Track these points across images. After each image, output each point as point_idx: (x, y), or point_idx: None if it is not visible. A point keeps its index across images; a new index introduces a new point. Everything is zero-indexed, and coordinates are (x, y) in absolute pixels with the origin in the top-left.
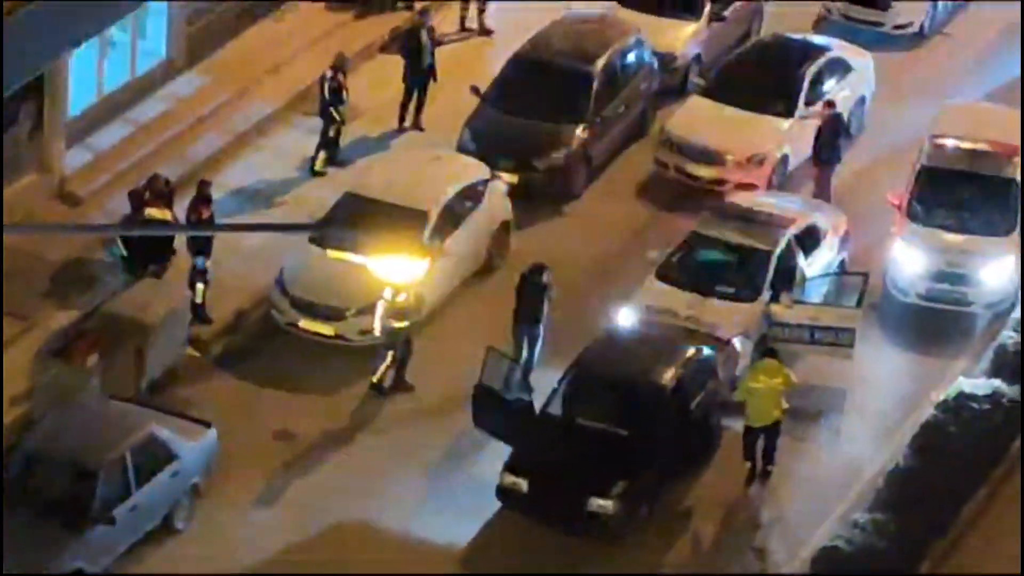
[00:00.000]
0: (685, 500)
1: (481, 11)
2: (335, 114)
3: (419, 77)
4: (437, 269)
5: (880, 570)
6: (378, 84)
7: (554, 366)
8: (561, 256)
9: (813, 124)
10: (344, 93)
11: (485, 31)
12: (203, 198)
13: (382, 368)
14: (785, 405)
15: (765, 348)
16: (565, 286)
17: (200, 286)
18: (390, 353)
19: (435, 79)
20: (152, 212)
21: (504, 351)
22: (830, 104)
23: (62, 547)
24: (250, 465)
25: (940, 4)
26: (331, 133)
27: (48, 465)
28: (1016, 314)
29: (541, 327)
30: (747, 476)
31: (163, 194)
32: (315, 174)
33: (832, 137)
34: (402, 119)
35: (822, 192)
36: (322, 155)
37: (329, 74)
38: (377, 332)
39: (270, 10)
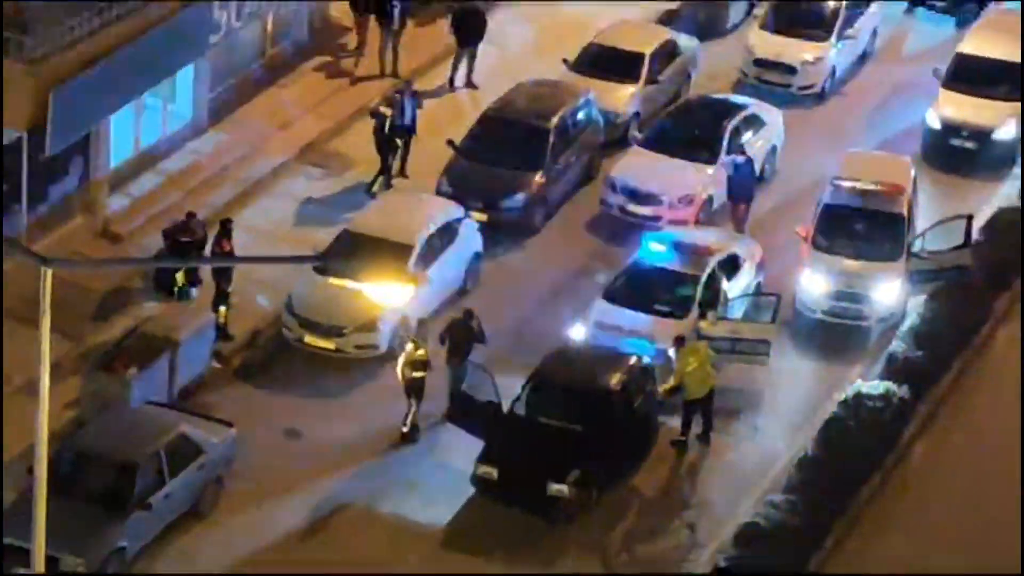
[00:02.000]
0: (629, 484)
1: (470, 66)
2: (394, 143)
3: (403, 134)
4: (420, 293)
5: (792, 540)
6: (370, 140)
7: (518, 373)
8: (523, 281)
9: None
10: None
11: (471, 85)
12: (225, 234)
13: (409, 418)
14: (715, 373)
15: (678, 337)
16: (528, 306)
17: (222, 308)
18: (412, 402)
19: (396, 135)
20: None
21: (477, 361)
22: (743, 154)
23: (107, 529)
24: (265, 459)
25: (841, 61)
26: (389, 162)
27: (95, 460)
28: (904, 327)
29: (468, 360)
30: (677, 452)
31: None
32: (371, 195)
33: (749, 179)
34: (387, 175)
35: (740, 226)
36: (380, 180)
37: (387, 115)
38: (399, 380)
39: (278, 78)
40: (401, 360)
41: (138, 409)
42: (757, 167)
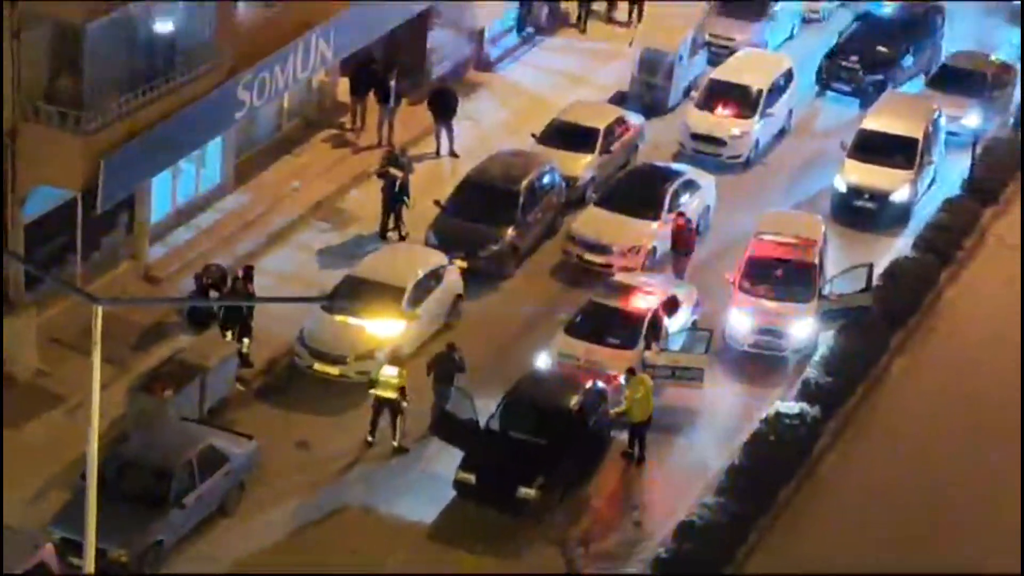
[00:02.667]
0: (585, 489)
1: (450, 138)
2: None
3: (398, 196)
4: (412, 328)
5: (722, 536)
6: (369, 199)
7: (493, 395)
8: (497, 318)
9: (671, 226)
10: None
11: (453, 154)
12: (248, 278)
13: (397, 433)
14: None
15: (629, 369)
16: (501, 339)
17: (246, 340)
18: (398, 420)
19: (406, 194)
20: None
21: (459, 385)
22: (681, 215)
23: (147, 526)
24: (280, 466)
25: (763, 135)
26: (400, 215)
27: (137, 467)
28: (816, 357)
29: (452, 388)
30: (626, 462)
31: (218, 275)
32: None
33: (687, 235)
34: (383, 228)
35: (680, 274)
36: (392, 227)
37: (399, 176)
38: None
39: (292, 148)
40: (381, 383)
41: (174, 424)
42: (693, 224)
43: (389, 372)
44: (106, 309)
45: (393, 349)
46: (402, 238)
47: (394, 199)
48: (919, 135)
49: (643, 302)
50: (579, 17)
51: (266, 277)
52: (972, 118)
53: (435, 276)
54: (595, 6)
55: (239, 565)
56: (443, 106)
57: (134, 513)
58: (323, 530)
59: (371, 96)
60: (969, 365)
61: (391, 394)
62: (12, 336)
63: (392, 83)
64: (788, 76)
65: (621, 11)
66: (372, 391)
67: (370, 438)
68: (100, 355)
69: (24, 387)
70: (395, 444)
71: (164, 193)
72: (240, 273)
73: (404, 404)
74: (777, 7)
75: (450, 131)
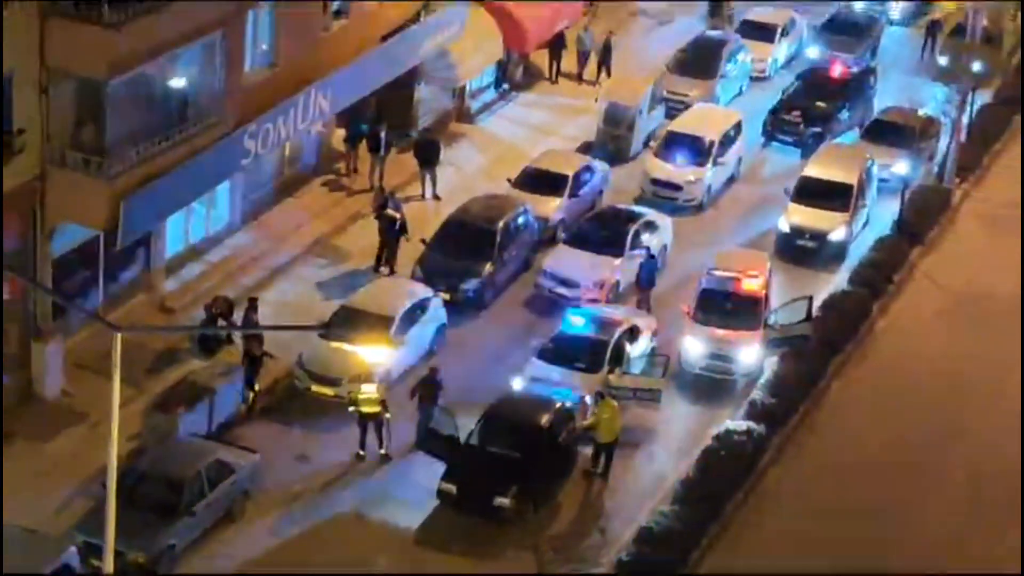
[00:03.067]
0: (555, 498)
1: (434, 183)
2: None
3: (398, 233)
4: (399, 353)
5: (677, 540)
6: (363, 236)
7: (473, 414)
8: (477, 345)
9: (637, 261)
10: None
11: (436, 198)
12: (253, 308)
13: (384, 443)
14: (619, 427)
15: (598, 392)
16: (480, 363)
17: (256, 385)
18: (382, 431)
19: (406, 231)
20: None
21: (442, 404)
22: (649, 250)
23: (161, 531)
24: (281, 477)
25: (715, 182)
26: (395, 252)
27: (152, 478)
28: (762, 380)
29: (436, 407)
30: (589, 478)
31: (227, 308)
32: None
33: (653, 271)
34: (378, 262)
35: (644, 306)
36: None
37: (397, 216)
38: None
39: (293, 191)
40: (362, 400)
41: (185, 440)
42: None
43: (367, 389)
44: (124, 336)
45: (381, 372)
46: (392, 272)
47: (392, 236)
48: (854, 181)
49: (607, 331)
50: (550, 69)
51: (269, 307)
52: (901, 166)
53: (421, 307)
54: (565, 64)
55: (245, 566)
56: (427, 154)
57: (149, 519)
58: (319, 534)
59: (363, 145)
60: (899, 387)
61: (374, 408)
62: (40, 360)
63: (383, 134)
64: (737, 128)
65: (590, 72)
66: (352, 409)
67: (361, 451)
68: (119, 377)
69: (51, 406)
70: (381, 452)
71: (178, 231)
72: (247, 304)
73: (387, 416)
74: (728, 67)
75: (434, 177)
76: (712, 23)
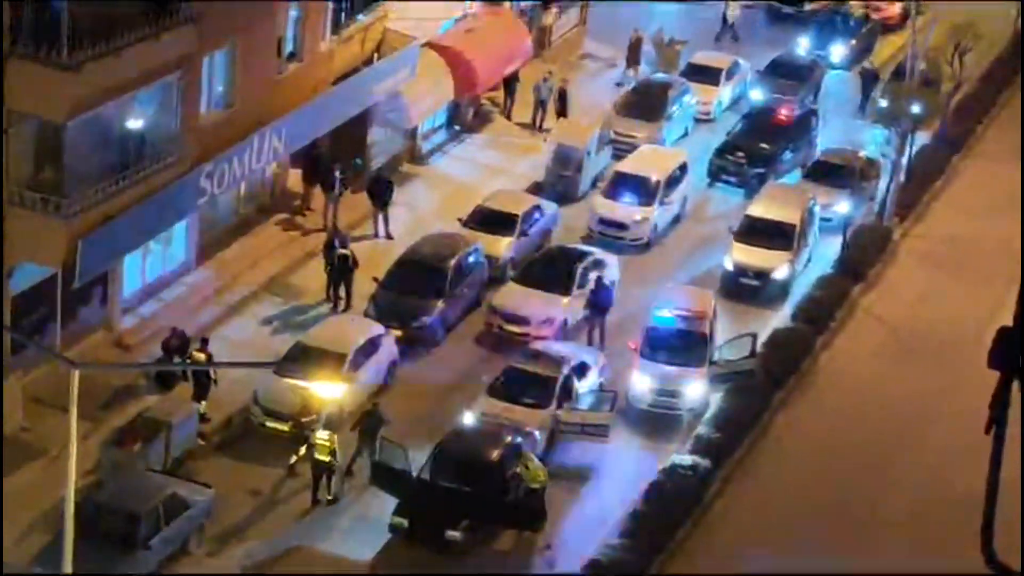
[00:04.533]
0: (505, 532)
1: (386, 222)
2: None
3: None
4: (352, 389)
5: (625, 572)
6: (317, 274)
7: (424, 448)
8: (429, 381)
9: (584, 298)
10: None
11: (389, 237)
12: (204, 345)
13: (332, 488)
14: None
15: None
16: (431, 399)
17: (203, 402)
18: (332, 480)
19: (356, 267)
20: (196, 356)
21: (395, 441)
22: (599, 281)
23: (118, 563)
24: (235, 511)
25: (661, 221)
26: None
27: (109, 512)
28: (707, 415)
29: (377, 441)
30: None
31: (181, 342)
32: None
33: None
34: (329, 294)
35: (597, 337)
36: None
37: (349, 253)
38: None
39: (248, 230)
40: (316, 446)
41: (141, 474)
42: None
43: (322, 436)
44: (82, 372)
45: (335, 409)
46: (348, 308)
47: (347, 273)
48: (796, 221)
49: (556, 367)
50: (505, 106)
51: (224, 344)
52: (843, 206)
53: (373, 344)
54: (520, 111)
55: None
56: (380, 194)
57: (107, 552)
58: (273, 568)
59: (317, 184)
60: (840, 419)
61: (324, 457)
62: None
63: (337, 174)
64: (683, 169)
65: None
66: (302, 453)
67: (317, 497)
68: (76, 413)
69: (10, 441)
70: (328, 498)
71: (135, 270)
72: (198, 344)
73: (335, 464)
74: (673, 109)
75: (386, 216)
76: (627, 71)
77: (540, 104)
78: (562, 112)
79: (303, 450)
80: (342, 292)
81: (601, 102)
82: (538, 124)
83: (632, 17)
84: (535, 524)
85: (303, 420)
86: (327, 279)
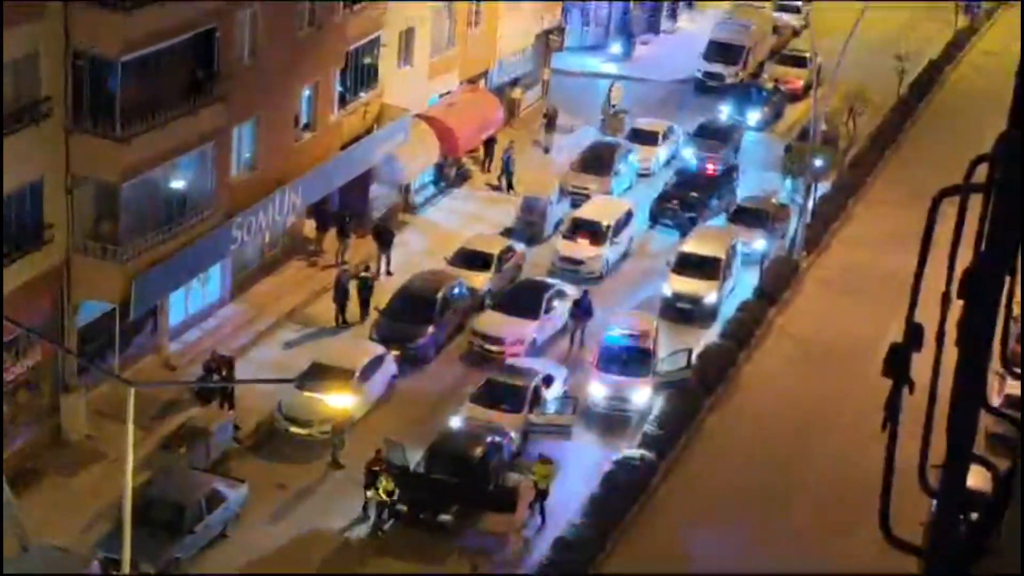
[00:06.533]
0: (488, 514)
1: (388, 262)
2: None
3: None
4: (359, 400)
5: (586, 546)
6: (329, 305)
7: (419, 447)
8: (422, 390)
9: (552, 321)
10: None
11: (389, 273)
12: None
13: (339, 455)
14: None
15: (540, 454)
16: (424, 407)
17: (233, 411)
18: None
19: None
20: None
21: (395, 440)
22: (584, 294)
23: (168, 546)
24: (264, 502)
25: (611, 257)
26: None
27: (159, 504)
28: (652, 416)
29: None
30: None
31: (219, 364)
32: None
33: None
34: (338, 320)
35: (578, 338)
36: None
37: (369, 276)
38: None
39: (272, 270)
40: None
41: (186, 473)
42: (562, 323)
43: (386, 482)
44: (137, 389)
45: (349, 417)
46: (364, 319)
47: (364, 290)
48: (722, 255)
49: (527, 379)
50: (484, 164)
51: (253, 365)
52: (760, 243)
53: (377, 362)
54: (494, 167)
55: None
56: (383, 238)
57: (158, 537)
58: (297, 547)
59: (329, 231)
60: (761, 418)
61: (384, 497)
62: (67, 410)
63: (348, 223)
64: (629, 215)
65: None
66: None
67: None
68: (132, 423)
69: (76, 447)
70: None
71: (179, 304)
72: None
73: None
74: (620, 166)
75: (388, 257)
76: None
77: (508, 174)
78: (509, 175)
79: (371, 493)
80: (349, 315)
81: (562, 160)
82: (504, 185)
83: (586, 91)
84: (510, 508)
85: (319, 426)
86: (335, 307)
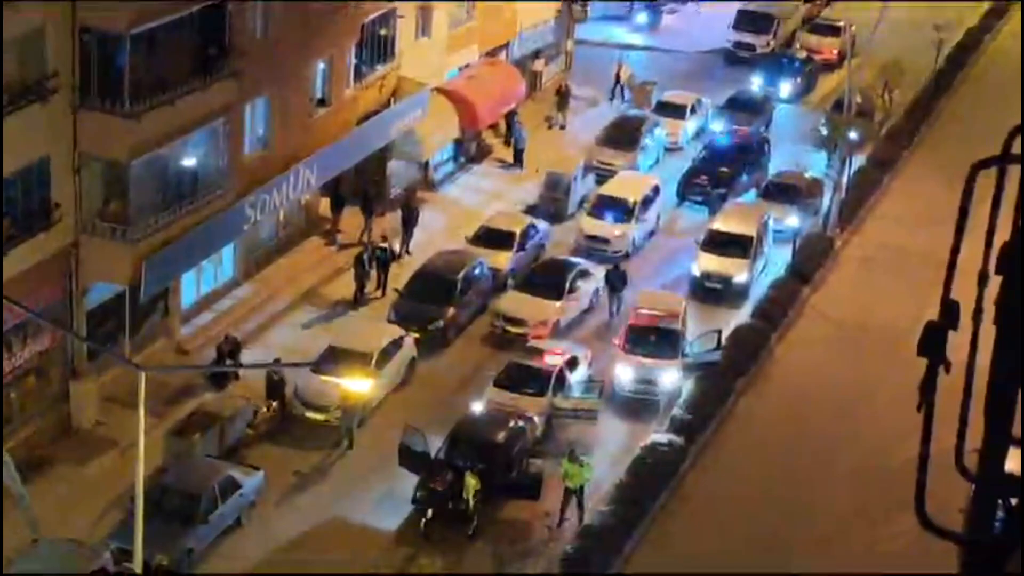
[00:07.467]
0: (509, 503)
1: (408, 241)
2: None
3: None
4: (378, 384)
5: (613, 535)
6: (346, 286)
7: (440, 433)
8: (442, 374)
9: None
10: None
11: (408, 253)
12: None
13: (351, 435)
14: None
15: (571, 454)
16: (446, 391)
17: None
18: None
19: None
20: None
21: (415, 426)
22: (616, 266)
23: (181, 536)
24: (280, 490)
25: (638, 236)
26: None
27: (173, 492)
28: (680, 399)
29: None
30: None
31: (232, 347)
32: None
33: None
34: (357, 297)
35: (616, 310)
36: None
37: (387, 246)
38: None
39: (287, 250)
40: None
41: (200, 460)
42: (587, 303)
43: (472, 480)
44: (148, 374)
45: (367, 401)
46: (383, 294)
47: (383, 263)
48: (753, 233)
49: (551, 361)
50: (506, 136)
51: (268, 348)
52: (792, 220)
53: (395, 344)
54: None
55: (255, 566)
56: (408, 217)
57: (171, 528)
58: (314, 537)
59: (344, 210)
60: (794, 401)
61: (471, 497)
62: (77, 396)
63: (373, 201)
64: (656, 191)
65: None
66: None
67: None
68: (144, 409)
69: (86, 434)
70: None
71: (191, 286)
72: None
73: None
74: (646, 140)
75: (410, 235)
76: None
77: (518, 152)
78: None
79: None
80: (366, 289)
81: (586, 135)
82: (513, 159)
83: (611, 63)
84: (534, 495)
85: (336, 411)
86: (356, 286)
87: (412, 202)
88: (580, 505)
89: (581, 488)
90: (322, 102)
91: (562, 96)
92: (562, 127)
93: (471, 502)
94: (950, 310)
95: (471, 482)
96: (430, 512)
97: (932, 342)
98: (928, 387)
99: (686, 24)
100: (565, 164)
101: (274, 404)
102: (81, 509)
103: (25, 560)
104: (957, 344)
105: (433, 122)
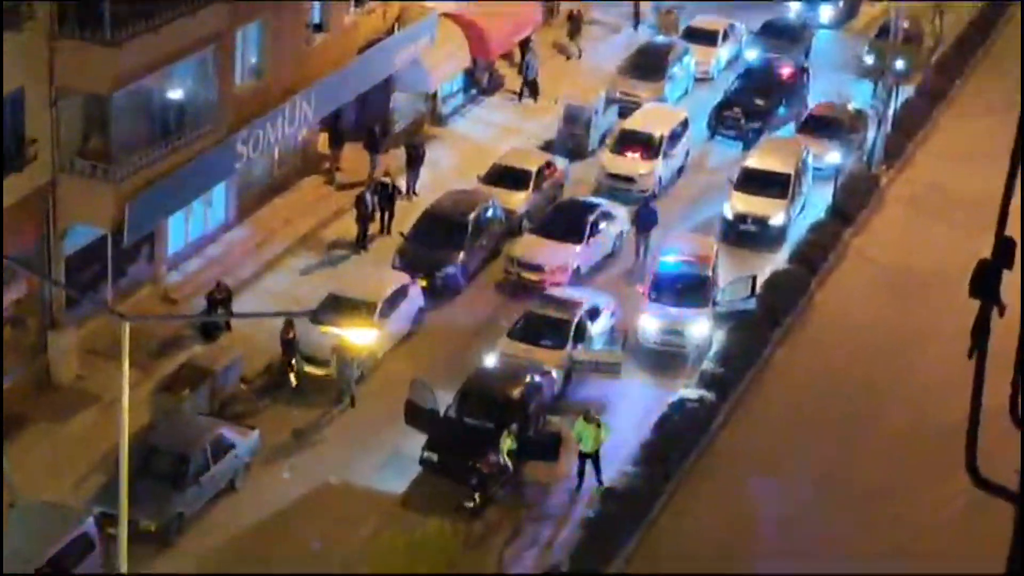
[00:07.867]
0: (527, 464)
1: (414, 182)
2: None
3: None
4: (382, 335)
5: (638, 498)
6: (346, 229)
7: (450, 389)
8: (452, 324)
9: (597, 245)
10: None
11: (414, 194)
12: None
13: (351, 391)
14: (603, 440)
15: (586, 414)
16: (456, 343)
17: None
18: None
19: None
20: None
21: (423, 380)
22: (645, 202)
23: (170, 500)
24: (277, 450)
25: (665, 174)
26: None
27: (161, 452)
28: (711, 352)
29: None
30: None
31: (224, 295)
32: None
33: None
34: (361, 241)
35: (641, 253)
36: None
37: (390, 181)
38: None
39: (282, 190)
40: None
41: (190, 418)
42: (610, 247)
43: (507, 441)
44: (132, 324)
45: (369, 354)
46: (388, 232)
47: (388, 200)
48: (791, 171)
49: (570, 311)
50: (521, 66)
51: (263, 296)
52: (834, 156)
53: (401, 293)
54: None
55: (247, 532)
56: (414, 157)
57: (159, 490)
58: (313, 501)
59: (345, 146)
60: (835, 352)
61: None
62: (56, 348)
63: (379, 138)
64: (684, 125)
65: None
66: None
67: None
68: (128, 362)
69: (67, 389)
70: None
71: (179, 229)
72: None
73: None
74: (674, 69)
75: (416, 175)
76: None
77: (528, 82)
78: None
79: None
80: (369, 232)
81: (608, 64)
82: (521, 91)
83: None
84: (553, 456)
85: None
86: (358, 229)
87: (418, 138)
88: (597, 469)
89: (596, 452)
90: (319, 28)
91: (574, 22)
92: (579, 56)
93: (508, 464)
94: (1004, 248)
95: (506, 443)
96: (478, 498)
97: (985, 281)
98: (981, 331)
99: None
100: (585, 96)
101: (293, 361)
102: (61, 470)
103: (1, 525)
104: (1012, 285)
105: (441, 51)
